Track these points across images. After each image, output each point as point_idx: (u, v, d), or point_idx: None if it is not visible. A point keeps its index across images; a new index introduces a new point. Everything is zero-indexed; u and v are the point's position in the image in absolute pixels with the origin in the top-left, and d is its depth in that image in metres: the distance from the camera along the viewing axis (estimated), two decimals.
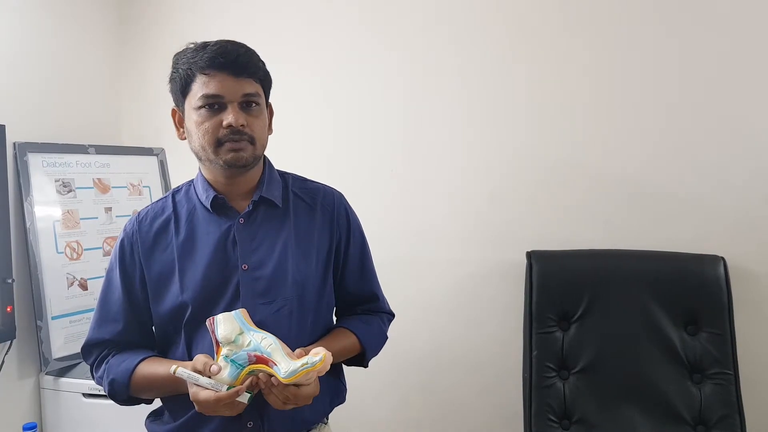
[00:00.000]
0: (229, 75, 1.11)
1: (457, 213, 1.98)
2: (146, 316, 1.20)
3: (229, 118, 1.11)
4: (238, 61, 1.12)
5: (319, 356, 1.01)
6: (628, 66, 1.80)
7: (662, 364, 1.65)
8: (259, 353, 1.03)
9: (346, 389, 1.30)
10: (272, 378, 1.02)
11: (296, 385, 1.02)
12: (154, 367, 1.14)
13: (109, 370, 1.17)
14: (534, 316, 1.72)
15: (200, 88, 1.12)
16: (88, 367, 1.23)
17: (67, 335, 1.88)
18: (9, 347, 1.81)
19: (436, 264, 2.01)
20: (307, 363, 1.00)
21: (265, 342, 1.04)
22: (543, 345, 1.71)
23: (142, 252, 1.18)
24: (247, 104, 1.14)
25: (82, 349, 1.22)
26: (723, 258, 1.67)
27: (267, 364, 1.03)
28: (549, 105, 1.88)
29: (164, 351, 1.21)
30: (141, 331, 1.21)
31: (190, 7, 2.23)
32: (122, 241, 1.21)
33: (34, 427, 1.69)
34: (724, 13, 1.71)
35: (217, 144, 1.12)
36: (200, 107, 1.12)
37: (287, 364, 1.01)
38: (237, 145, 1.12)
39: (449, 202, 1.99)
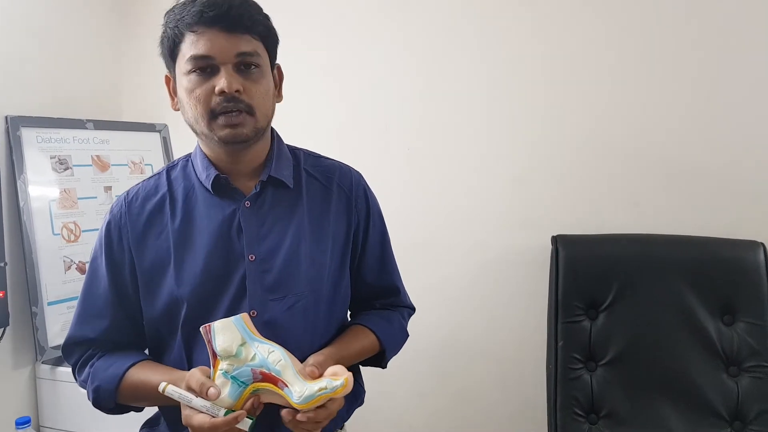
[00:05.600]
0: (221, 31, 0.95)
1: (478, 194, 1.89)
2: (136, 311, 1.06)
3: (220, 83, 0.94)
4: (231, 13, 0.94)
5: (340, 380, 0.87)
6: (661, 37, 1.70)
7: (696, 355, 1.56)
8: (265, 370, 0.89)
9: (364, 391, 1.19)
10: (285, 409, 0.89)
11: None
12: (145, 374, 1.01)
13: (94, 374, 1.03)
14: (560, 305, 1.63)
15: (188, 48, 0.96)
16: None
17: (65, 322, 1.80)
18: (2, 335, 1.72)
19: (455, 249, 1.92)
20: (326, 388, 0.86)
21: (273, 357, 0.89)
22: (569, 335, 1.61)
23: (132, 238, 1.04)
24: (244, 66, 0.97)
25: (63, 347, 1.08)
26: (762, 244, 1.57)
27: (276, 385, 0.88)
28: (575, 81, 1.78)
29: (156, 353, 1.08)
30: (130, 328, 1.07)
31: None
32: (108, 224, 1.06)
33: (28, 421, 1.60)
34: None
35: (211, 116, 0.96)
36: (189, 71, 0.96)
37: (301, 387, 0.87)
38: (234, 119, 0.96)
39: (470, 183, 1.90)
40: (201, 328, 0.93)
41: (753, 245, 1.57)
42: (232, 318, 0.93)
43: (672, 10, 1.69)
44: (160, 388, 0.90)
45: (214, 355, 0.91)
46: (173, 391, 0.89)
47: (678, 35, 1.69)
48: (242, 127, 0.97)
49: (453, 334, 1.95)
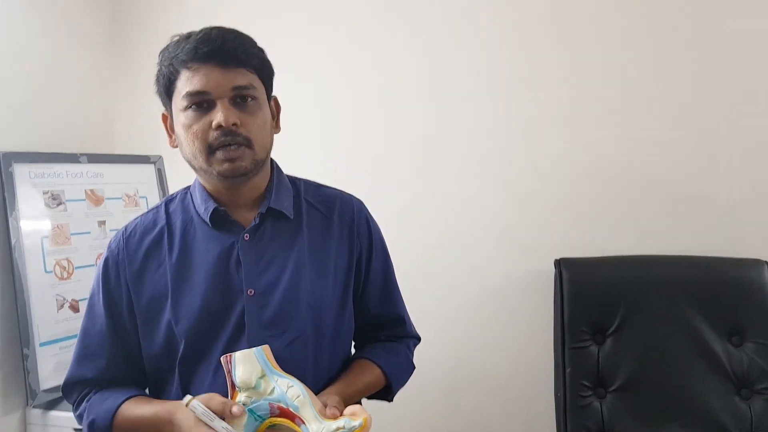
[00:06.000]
0: (216, 66, 0.95)
1: (480, 218, 1.87)
2: (135, 347, 1.05)
3: (217, 117, 0.94)
4: (225, 48, 0.95)
5: (358, 420, 0.85)
6: (660, 63, 1.70)
7: (707, 378, 1.53)
8: (283, 405, 0.87)
9: None
10: None
11: None
12: (139, 409, 0.99)
13: (89, 409, 1.02)
14: (566, 329, 1.59)
15: (184, 85, 0.96)
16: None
17: (57, 363, 1.74)
18: None
19: (457, 274, 1.89)
20: (344, 427, 0.85)
21: (292, 392, 0.88)
22: (577, 360, 1.58)
23: (130, 275, 1.03)
24: (240, 99, 0.97)
25: (63, 387, 1.07)
26: (766, 262, 1.56)
27: (293, 421, 0.87)
28: (577, 105, 1.78)
29: (156, 389, 1.06)
30: (129, 365, 1.06)
31: (183, 0, 2.11)
32: (106, 260, 1.05)
33: None
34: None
35: (209, 151, 0.96)
36: (186, 108, 0.96)
37: (318, 425, 0.85)
38: (232, 153, 0.95)
39: (471, 207, 1.88)
40: (222, 358, 0.92)
41: (757, 264, 1.56)
42: (254, 349, 0.92)
43: (673, 33, 1.69)
44: (184, 402, 0.88)
45: (233, 386, 0.90)
46: (197, 405, 0.87)
47: (680, 59, 1.69)
48: (241, 161, 0.97)
49: (456, 361, 1.91)
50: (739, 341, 1.54)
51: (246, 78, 0.98)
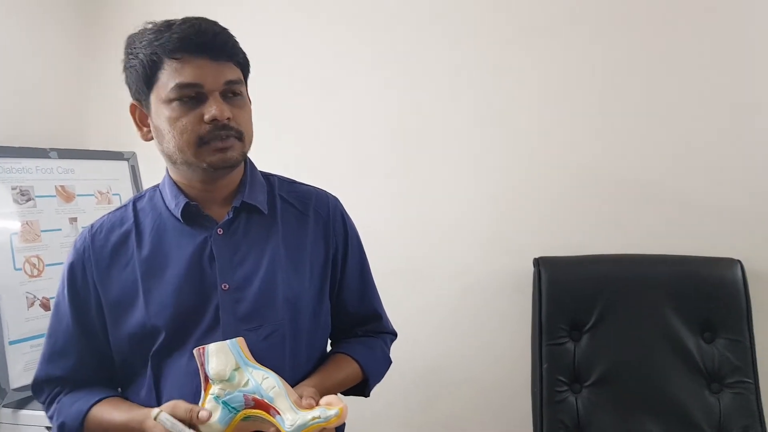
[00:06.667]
0: (207, 59, 0.94)
1: (459, 219, 1.87)
2: (105, 346, 1.03)
3: (212, 110, 0.93)
4: (216, 41, 0.94)
5: (334, 410, 0.85)
6: (640, 65, 1.72)
7: (679, 373, 1.56)
8: (258, 396, 0.87)
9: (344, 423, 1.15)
10: (272, 430, 0.87)
11: None
12: (109, 412, 0.98)
13: (59, 411, 1.01)
14: (544, 327, 1.61)
15: (171, 76, 0.93)
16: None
17: (28, 361, 1.70)
18: None
19: (437, 274, 1.89)
20: (319, 417, 0.84)
21: (267, 383, 0.87)
22: (554, 357, 1.60)
23: (97, 272, 1.01)
24: (231, 93, 0.97)
25: (33, 386, 1.06)
26: (740, 261, 1.58)
27: (268, 412, 0.86)
28: (557, 106, 1.79)
29: (126, 386, 1.04)
30: (98, 365, 1.04)
31: None
32: (72, 261, 1.03)
33: None
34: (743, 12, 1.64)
35: (199, 143, 0.94)
36: (172, 100, 0.94)
37: (293, 416, 0.85)
38: (224, 144, 0.95)
39: (451, 208, 1.88)
40: (194, 350, 0.90)
41: (731, 263, 1.59)
42: (228, 341, 0.91)
43: (653, 34, 1.71)
44: (153, 414, 0.87)
45: (206, 378, 0.89)
46: (166, 419, 0.86)
47: (661, 62, 1.70)
48: (232, 151, 0.97)
49: (437, 361, 1.91)
50: (711, 337, 1.57)
51: (235, 73, 0.98)
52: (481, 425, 1.89)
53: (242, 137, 0.98)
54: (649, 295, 1.59)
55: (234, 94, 0.98)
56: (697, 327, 1.57)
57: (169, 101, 0.94)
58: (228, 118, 0.95)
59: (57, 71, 2.09)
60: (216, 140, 0.95)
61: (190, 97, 0.94)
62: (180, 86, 0.93)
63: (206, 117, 0.93)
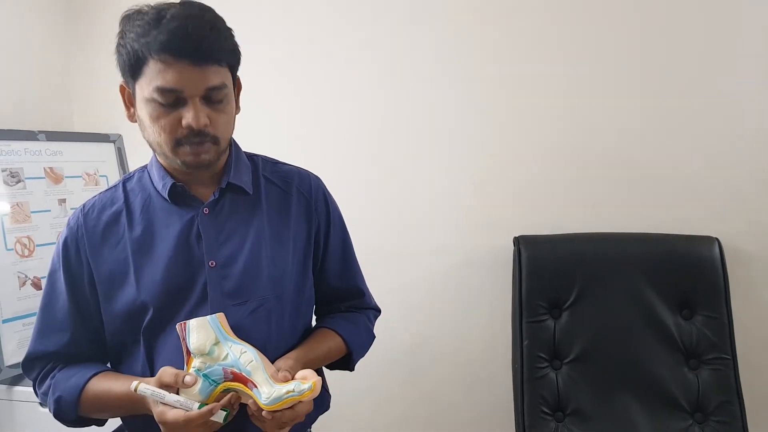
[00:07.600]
0: (190, 64, 0.91)
1: (440, 198, 1.89)
2: (98, 322, 1.05)
3: (188, 117, 0.93)
4: (202, 46, 0.91)
5: (308, 384, 0.89)
6: (613, 43, 1.72)
7: (658, 350, 1.58)
8: (236, 370, 0.90)
9: (330, 396, 1.18)
10: (251, 401, 0.90)
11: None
12: (108, 384, 1.00)
13: (55, 386, 1.02)
14: (524, 305, 1.64)
15: (154, 77, 0.92)
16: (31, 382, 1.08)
17: (21, 339, 1.73)
18: None
19: (418, 252, 1.91)
20: (293, 390, 0.88)
21: (245, 357, 0.91)
22: (534, 334, 1.62)
23: (89, 249, 1.03)
24: (212, 97, 0.96)
25: (23, 363, 1.07)
26: (717, 239, 1.60)
27: (245, 385, 0.89)
28: (533, 85, 1.79)
29: (118, 363, 1.06)
30: (91, 341, 1.06)
31: None
32: (65, 239, 1.05)
33: None
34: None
35: (176, 144, 0.95)
36: (153, 100, 0.93)
37: (269, 389, 0.88)
38: (199, 149, 0.96)
39: (432, 187, 1.89)
40: (177, 326, 0.94)
41: (708, 240, 1.60)
42: (208, 317, 0.94)
43: (623, 18, 1.71)
44: (132, 387, 0.90)
45: (188, 352, 0.92)
46: (145, 388, 0.90)
47: (631, 42, 1.71)
48: (206, 155, 0.98)
49: (419, 338, 1.94)
50: (689, 315, 1.59)
51: (219, 76, 0.95)
52: (462, 401, 1.92)
53: (218, 141, 0.98)
54: (628, 273, 1.61)
55: (217, 99, 0.96)
56: (676, 304, 1.59)
57: (151, 100, 0.94)
58: (205, 125, 0.94)
59: (44, 54, 2.09)
60: (191, 145, 0.96)
61: (168, 102, 0.93)
62: (160, 90, 0.92)
63: (183, 123, 0.94)
